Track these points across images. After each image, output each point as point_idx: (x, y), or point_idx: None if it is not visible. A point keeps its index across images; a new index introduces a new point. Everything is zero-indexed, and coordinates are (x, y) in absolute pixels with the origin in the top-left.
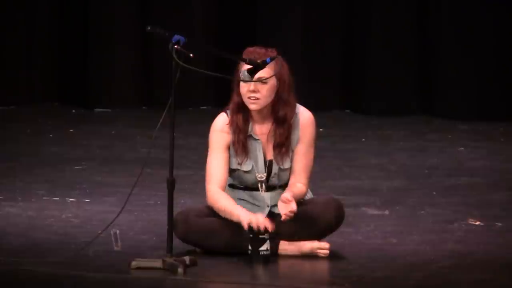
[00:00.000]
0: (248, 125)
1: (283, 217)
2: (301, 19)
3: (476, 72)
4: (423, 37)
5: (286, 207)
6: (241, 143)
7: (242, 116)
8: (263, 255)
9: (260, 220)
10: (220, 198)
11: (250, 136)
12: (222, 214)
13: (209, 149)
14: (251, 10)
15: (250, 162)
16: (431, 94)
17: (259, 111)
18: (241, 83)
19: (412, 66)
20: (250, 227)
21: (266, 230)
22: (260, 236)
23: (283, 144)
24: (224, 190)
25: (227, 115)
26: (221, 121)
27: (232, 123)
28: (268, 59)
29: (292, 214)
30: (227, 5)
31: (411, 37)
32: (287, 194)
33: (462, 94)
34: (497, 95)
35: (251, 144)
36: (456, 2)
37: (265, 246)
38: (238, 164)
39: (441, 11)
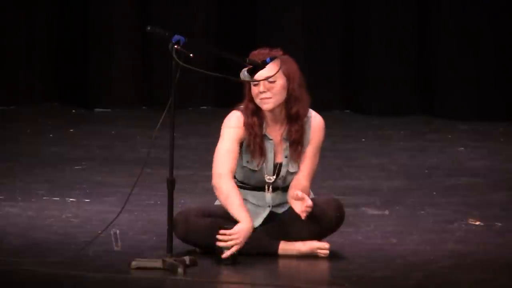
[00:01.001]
0: (263, 127)
1: (302, 216)
2: (301, 19)
3: (476, 72)
4: (423, 37)
5: (301, 204)
6: (257, 145)
7: (257, 120)
8: (226, 259)
9: (238, 237)
10: (231, 189)
11: (265, 135)
12: (223, 202)
13: (221, 140)
14: (251, 10)
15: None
16: (431, 94)
17: (272, 111)
18: (252, 87)
19: (412, 66)
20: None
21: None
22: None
23: (298, 141)
24: (232, 178)
25: (241, 114)
26: (235, 118)
27: (247, 126)
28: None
29: (309, 209)
30: (227, 5)
31: (411, 37)
32: (298, 192)
33: (462, 94)
34: (497, 95)
35: (265, 144)
36: (456, 2)
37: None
38: (247, 162)
39: (441, 11)
